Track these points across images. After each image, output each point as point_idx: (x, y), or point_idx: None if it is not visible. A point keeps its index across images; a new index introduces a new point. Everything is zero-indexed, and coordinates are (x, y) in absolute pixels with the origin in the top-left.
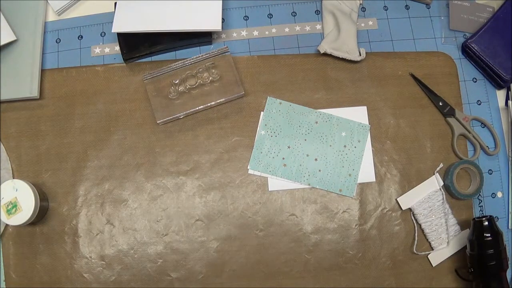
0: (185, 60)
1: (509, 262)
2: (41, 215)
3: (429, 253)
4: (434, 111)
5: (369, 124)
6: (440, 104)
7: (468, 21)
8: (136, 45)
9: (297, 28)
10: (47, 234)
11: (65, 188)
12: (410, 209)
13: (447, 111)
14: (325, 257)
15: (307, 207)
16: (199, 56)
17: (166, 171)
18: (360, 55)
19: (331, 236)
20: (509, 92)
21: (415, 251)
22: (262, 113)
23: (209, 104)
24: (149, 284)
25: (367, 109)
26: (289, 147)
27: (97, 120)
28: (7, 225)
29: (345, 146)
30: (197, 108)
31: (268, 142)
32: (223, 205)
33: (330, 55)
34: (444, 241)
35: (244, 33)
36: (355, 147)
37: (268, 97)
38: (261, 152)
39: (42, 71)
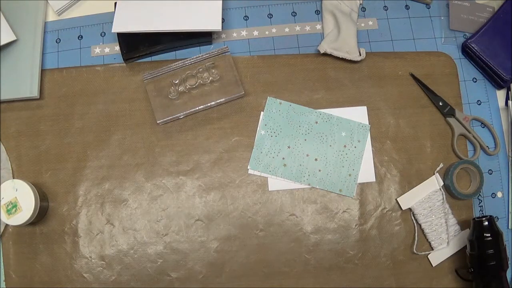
0: (185, 60)
1: (509, 262)
2: (41, 215)
3: (429, 253)
4: (434, 111)
5: (369, 124)
6: (440, 104)
7: (468, 21)
8: (136, 45)
9: (297, 28)
10: (47, 234)
11: (65, 188)
12: (410, 209)
13: (447, 111)
14: (325, 257)
15: (307, 207)
16: (199, 56)
17: (166, 171)
18: (360, 55)
19: (331, 236)
20: (509, 92)
21: (415, 251)
22: (262, 113)
23: (209, 104)
24: (149, 284)
25: (367, 109)
26: (289, 147)
27: (97, 120)
28: (7, 225)
29: (345, 146)
30: (197, 108)
31: (268, 142)
32: (223, 205)
33: (330, 55)
34: (444, 241)
35: (244, 33)
36: (355, 147)
37: (268, 97)
38: (261, 152)
39: (42, 71)
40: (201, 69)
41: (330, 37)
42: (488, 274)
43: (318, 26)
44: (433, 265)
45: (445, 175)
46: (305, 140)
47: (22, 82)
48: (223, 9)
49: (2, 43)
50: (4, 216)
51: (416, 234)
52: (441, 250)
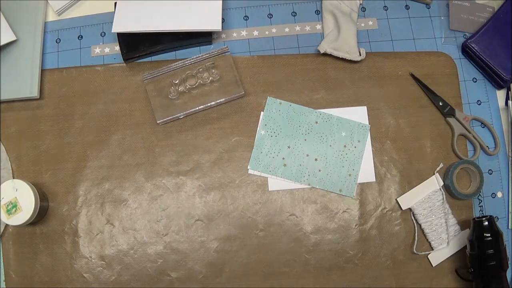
0: (185, 60)
1: (509, 262)
2: (41, 215)
3: (429, 253)
4: (434, 111)
5: (369, 124)
6: (440, 104)
7: (468, 21)
8: (136, 45)
9: (297, 28)
10: (47, 234)
11: (65, 188)
12: (410, 209)
13: (447, 111)
14: (325, 257)
15: (307, 207)
16: (199, 56)
17: (166, 171)
18: (360, 55)
19: (331, 236)
20: (509, 92)
21: (415, 251)
22: (262, 113)
23: (209, 104)
24: (149, 284)
25: (367, 109)
26: (289, 147)
27: (97, 120)
28: (7, 225)
29: (345, 146)
30: (197, 108)
31: (268, 142)
32: (223, 205)
33: (330, 55)
34: (444, 241)
35: (244, 33)
36: (355, 147)
37: (268, 97)
38: (261, 152)
39: (42, 71)
40: (201, 69)
41: (330, 37)
42: (488, 274)
43: (318, 26)
44: (433, 265)
45: (445, 175)
46: (305, 140)
47: (22, 82)
48: (223, 9)
49: (2, 43)
50: (4, 216)
51: (416, 234)
52: (441, 250)
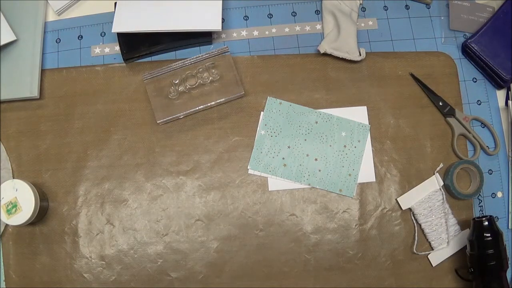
0: (185, 60)
1: (509, 262)
2: (41, 215)
3: (429, 253)
4: (434, 111)
5: (369, 124)
6: (440, 104)
7: (468, 21)
8: (136, 45)
9: (297, 28)
10: (47, 234)
11: (65, 188)
12: (410, 209)
13: (447, 111)
14: (325, 257)
15: (307, 207)
16: (199, 56)
17: (166, 171)
18: (360, 55)
19: (331, 236)
20: (509, 92)
21: (415, 251)
22: (262, 113)
23: (209, 104)
24: (149, 284)
25: (367, 109)
26: (289, 147)
27: (97, 120)
28: (7, 225)
29: (345, 146)
30: (197, 108)
31: (268, 142)
32: (223, 205)
33: (330, 55)
34: (444, 241)
35: (244, 33)
36: (355, 147)
37: (268, 97)
38: (261, 152)
39: (42, 71)
40: (201, 69)
41: (330, 37)
42: (488, 274)
43: (318, 26)
44: (433, 265)
45: (445, 175)
46: (305, 140)
47: (22, 82)
48: (223, 9)
49: (2, 43)
50: (4, 216)
51: (416, 234)
52: (441, 250)
